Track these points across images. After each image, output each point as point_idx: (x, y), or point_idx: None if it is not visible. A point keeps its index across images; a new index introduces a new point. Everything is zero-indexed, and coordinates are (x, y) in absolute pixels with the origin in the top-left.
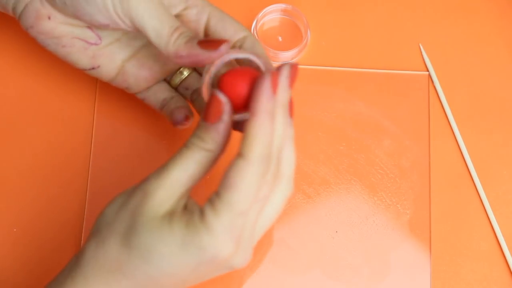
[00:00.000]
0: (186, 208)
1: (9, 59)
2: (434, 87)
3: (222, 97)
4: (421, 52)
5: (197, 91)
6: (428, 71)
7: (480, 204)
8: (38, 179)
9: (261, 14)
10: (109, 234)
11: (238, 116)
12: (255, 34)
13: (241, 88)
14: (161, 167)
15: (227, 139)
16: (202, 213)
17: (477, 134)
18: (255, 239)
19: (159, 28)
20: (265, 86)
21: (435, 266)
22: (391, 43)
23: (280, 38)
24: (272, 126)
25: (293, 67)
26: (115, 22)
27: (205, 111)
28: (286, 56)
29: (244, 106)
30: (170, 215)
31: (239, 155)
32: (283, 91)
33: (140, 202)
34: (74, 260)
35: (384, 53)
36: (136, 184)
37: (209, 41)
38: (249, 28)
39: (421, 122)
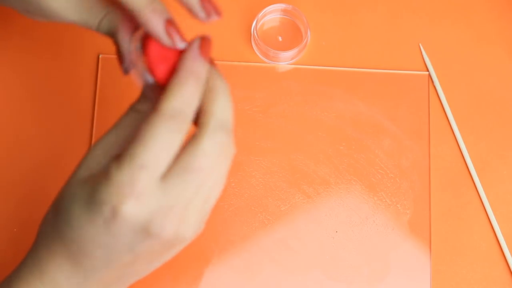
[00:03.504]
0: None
1: (9, 59)
2: (434, 87)
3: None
4: (421, 52)
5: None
6: (428, 71)
7: (480, 204)
8: (38, 179)
9: (261, 14)
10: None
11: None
12: (255, 35)
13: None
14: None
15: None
16: (107, 167)
17: (477, 134)
18: (198, 208)
19: None
20: (193, 50)
21: (435, 266)
22: (391, 43)
23: (280, 38)
24: (193, 87)
25: (205, 40)
26: None
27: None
28: (286, 56)
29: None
30: (89, 177)
31: (153, 109)
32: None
33: (73, 171)
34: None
35: (384, 53)
36: None
37: None
38: (249, 28)
39: (421, 122)
